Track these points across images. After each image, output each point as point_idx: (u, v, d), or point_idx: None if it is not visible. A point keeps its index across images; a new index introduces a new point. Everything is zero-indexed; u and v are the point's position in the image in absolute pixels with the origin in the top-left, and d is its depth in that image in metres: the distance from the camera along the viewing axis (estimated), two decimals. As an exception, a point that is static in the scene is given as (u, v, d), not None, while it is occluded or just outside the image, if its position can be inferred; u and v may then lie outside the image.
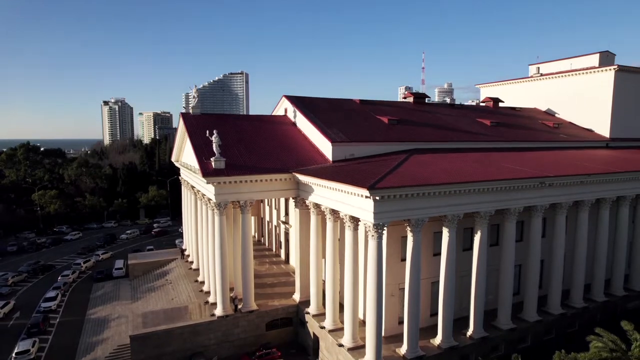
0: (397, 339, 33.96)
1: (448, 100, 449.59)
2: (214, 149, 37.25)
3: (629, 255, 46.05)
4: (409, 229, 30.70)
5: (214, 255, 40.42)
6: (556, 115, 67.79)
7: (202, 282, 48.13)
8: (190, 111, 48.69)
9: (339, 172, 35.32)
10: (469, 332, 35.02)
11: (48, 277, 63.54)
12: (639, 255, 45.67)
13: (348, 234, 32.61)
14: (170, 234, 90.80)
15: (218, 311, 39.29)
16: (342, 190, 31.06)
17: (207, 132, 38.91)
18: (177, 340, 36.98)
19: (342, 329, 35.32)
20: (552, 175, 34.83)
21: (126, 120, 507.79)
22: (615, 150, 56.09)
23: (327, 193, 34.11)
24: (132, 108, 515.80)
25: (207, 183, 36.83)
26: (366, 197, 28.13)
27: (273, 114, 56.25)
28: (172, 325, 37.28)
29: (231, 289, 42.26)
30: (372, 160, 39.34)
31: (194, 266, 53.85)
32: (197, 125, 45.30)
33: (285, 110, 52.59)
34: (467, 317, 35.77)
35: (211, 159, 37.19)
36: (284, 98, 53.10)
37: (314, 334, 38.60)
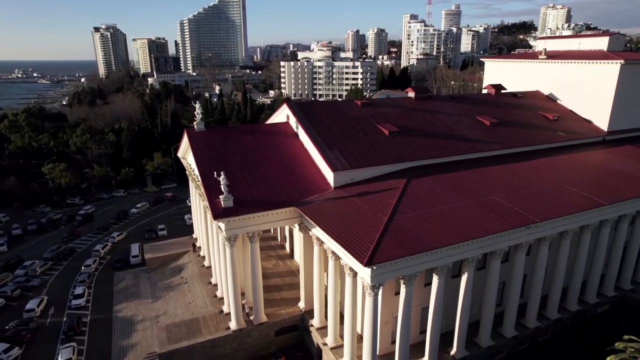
0: (390, 357, 39.10)
1: (454, 29, 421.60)
2: (222, 188, 39.41)
3: (607, 258, 49.50)
4: (402, 282, 34.18)
5: (226, 278, 44.45)
6: (558, 101, 67.86)
7: (215, 285, 53.01)
8: (195, 127, 49.75)
9: (338, 217, 37.77)
10: (453, 352, 40.12)
11: (71, 262, 68.92)
12: (615, 260, 49.36)
13: (348, 280, 36.18)
14: (179, 204, 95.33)
15: (233, 325, 44.38)
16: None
17: (215, 173, 40.67)
18: (198, 354, 42.50)
19: (342, 346, 40.40)
20: (539, 221, 37.39)
21: (120, 47, 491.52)
22: (609, 149, 57.53)
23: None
24: (125, 35, 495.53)
25: (218, 222, 39.62)
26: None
27: (275, 120, 57.19)
28: (194, 342, 42.59)
29: (242, 294, 47.04)
30: (371, 191, 41.67)
31: (206, 263, 58.45)
32: (202, 146, 46.93)
33: (287, 117, 53.47)
34: (452, 332, 40.57)
35: (220, 197, 39.56)
36: (285, 105, 53.86)
37: (317, 345, 43.98)
